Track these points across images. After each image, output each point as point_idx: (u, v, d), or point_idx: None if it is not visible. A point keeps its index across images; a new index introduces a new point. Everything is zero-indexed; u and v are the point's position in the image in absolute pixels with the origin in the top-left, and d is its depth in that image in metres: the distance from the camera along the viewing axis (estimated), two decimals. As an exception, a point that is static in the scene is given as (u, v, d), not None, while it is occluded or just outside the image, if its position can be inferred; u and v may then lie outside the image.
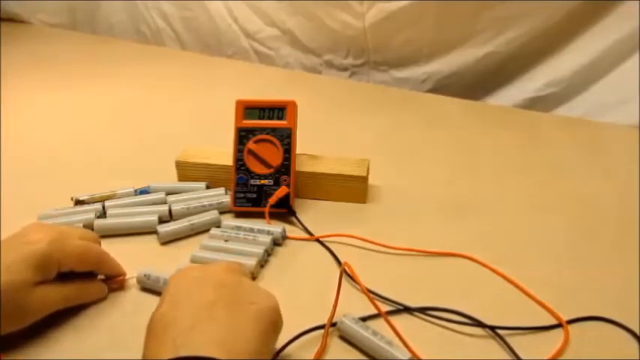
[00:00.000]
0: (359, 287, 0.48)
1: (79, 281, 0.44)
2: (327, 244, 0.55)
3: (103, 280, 0.47)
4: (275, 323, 0.37)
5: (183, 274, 0.39)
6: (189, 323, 0.33)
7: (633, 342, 0.43)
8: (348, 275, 0.50)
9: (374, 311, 0.43)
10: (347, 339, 0.43)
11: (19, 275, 0.39)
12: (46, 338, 0.42)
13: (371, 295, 0.43)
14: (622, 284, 0.50)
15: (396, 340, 0.41)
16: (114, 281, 0.47)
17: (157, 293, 0.47)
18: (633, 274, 0.51)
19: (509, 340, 0.43)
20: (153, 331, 0.34)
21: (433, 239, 0.55)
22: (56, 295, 0.42)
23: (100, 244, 0.48)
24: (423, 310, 0.46)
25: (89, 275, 0.46)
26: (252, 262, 0.50)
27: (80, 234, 0.46)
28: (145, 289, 0.48)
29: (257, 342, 0.34)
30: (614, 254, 0.54)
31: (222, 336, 0.33)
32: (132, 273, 0.48)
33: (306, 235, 0.56)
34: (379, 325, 0.43)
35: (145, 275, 0.47)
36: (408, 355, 0.40)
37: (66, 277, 0.43)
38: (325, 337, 0.42)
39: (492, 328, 0.44)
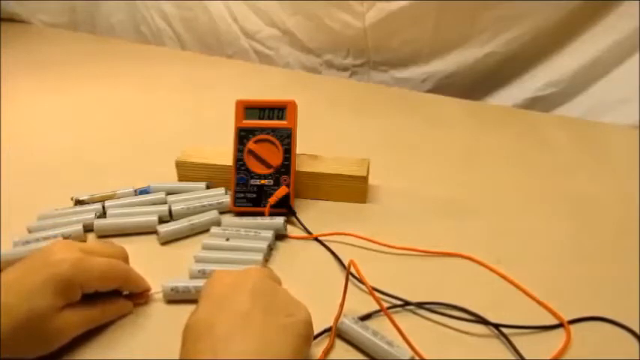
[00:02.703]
0: (359, 284, 0.48)
1: (104, 301, 0.43)
2: (327, 244, 0.55)
3: (128, 296, 0.46)
4: (308, 337, 0.37)
5: (218, 278, 0.39)
6: (228, 331, 0.33)
7: (634, 342, 0.43)
8: (352, 274, 0.50)
9: (373, 308, 0.43)
10: (347, 339, 0.43)
11: (42, 301, 0.38)
12: (72, 354, 0.41)
13: (376, 294, 0.43)
14: (622, 284, 0.50)
15: (397, 340, 0.41)
16: (139, 296, 0.46)
17: (187, 302, 0.46)
18: (633, 274, 0.51)
19: (511, 339, 0.43)
20: (190, 336, 0.34)
21: (433, 239, 0.55)
22: (81, 318, 0.41)
23: (127, 259, 0.46)
24: (427, 306, 0.46)
25: (114, 292, 0.44)
26: (258, 257, 0.50)
27: (105, 250, 0.44)
28: (172, 301, 0.47)
29: (291, 355, 0.34)
30: (614, 254, 0.54)
31: (259, 347, 0.33)
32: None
33: (307, 234, 0.56)
34: (380, 323, 0.43)
35: (172, 289, 0.46)
36: (409, 354, 0.40)
37: (90, 296, 0.42)
38: (332, 337, 0.42)
39: (497, 327, 0.44)
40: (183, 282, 0.47)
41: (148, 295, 0.47)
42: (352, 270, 0.42)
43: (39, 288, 0.38)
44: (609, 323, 0.45)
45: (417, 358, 0.40)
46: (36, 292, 0.38)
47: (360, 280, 0.47)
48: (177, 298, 0.46)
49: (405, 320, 0.44)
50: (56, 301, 0.39)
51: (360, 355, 0.42)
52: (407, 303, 0.46)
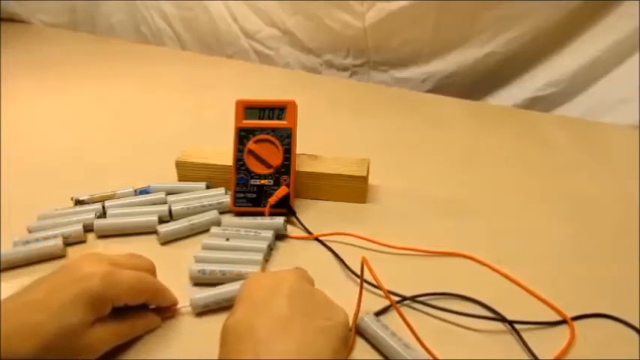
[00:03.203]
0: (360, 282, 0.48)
1: (133, 315, 0.42)
2: (327, 244, 0.55)
3: (155, 310, 0.45)
4: (346, 339, 0.37)
5: (255, 281, 0.39)
6: (269, 333, 0.33)
7: (636, 339, 0.43)
8: (353, 272, 0.50)
9: (377, 305, 0.44)
10: (364, 336, 0.43)
11: (74, 317, 0.37)
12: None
13: (385, 292, 0.43)
14: (622, 285, 0.50)
15: (412, 342, 0.41)
16: (167, 310, 0.45)
17: (215, 312, 0.46)
18: (633, 274, 0.51)
19: (516, 336, 0.43)
20: (230, 337, 0.34)
21: (433, 239, 0.55)
22: (111, 333, 0.40)
23: (154, 272, 0.46)
24: (436, 298, 0.47)
25: (141, 306, 0.43)
26: (258, 257, 0.50)
27: (132, 263, 0.43)
28: (200, 313, 0.46)
29: (331, 356, 0.34)
30: (614, 254, 0.54)
31: (300, 348, 0.33)
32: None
33: (307, 234, 0.56)
34: (386, 320, 0.44)
35: (204, 306, 0.45)
36: (424, 356, 0.40)
37: (118, 310, 0.41)
38: (353, 336, 0.43)
39: (511, 323, 0.44)
40: (212, 296, 0.46)
41: (175, 309, 0.46)
42: (354, 267, 0.42)
43: (70, 304, 0.37)
44: (612, 320, 0.45)
45: (429, 358, 0.40)
46: (67, 308, 0.37)
47: (361, 277, 0.47)
48: (205, 308, 0.46)
49: (411, 317, 0.44)
50: (87, 316, 0.38)
51: (373, 352, 0.42)
52: (404, 298, 0.47)
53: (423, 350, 0.40)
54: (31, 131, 0.82)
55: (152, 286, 0.44)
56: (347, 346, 0.38)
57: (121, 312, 0.41)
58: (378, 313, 0.45)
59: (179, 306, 0.46)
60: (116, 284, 0.40)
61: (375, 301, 0.46)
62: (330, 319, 0.36)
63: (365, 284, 0.48)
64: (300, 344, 0.33)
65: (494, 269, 0.51)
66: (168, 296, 0.45)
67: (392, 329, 0.42)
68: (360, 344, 0.43)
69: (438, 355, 0.40)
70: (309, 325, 0.35)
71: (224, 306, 0.45)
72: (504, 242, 0.56)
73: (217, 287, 0.47)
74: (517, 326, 0.44)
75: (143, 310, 0.44)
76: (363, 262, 0.41)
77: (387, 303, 0.45)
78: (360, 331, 0.43)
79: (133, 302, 0.42)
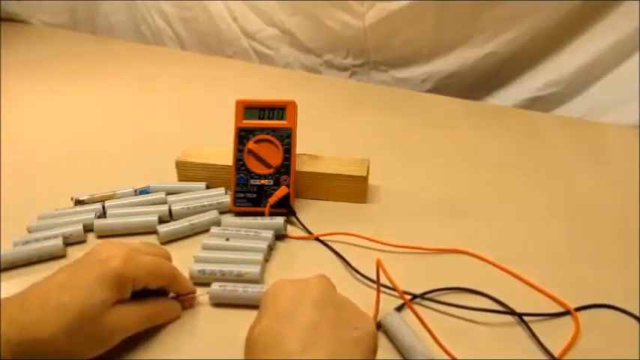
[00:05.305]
0: (368, 283, 0.49)
1: (154, 300, 0.43)
2: (328, 243, 0.55)
3: (174, 298, 0.46)
4: (375, 349, 0.37)
5: (280, 289, 0.38)
6: (298, 346, 0.33)
7: (636, 328, 0.45)
8: (359, 272, 0.50)
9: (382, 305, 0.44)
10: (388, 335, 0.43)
11: (96, 298, 0.38)
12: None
13: (396, 293, 0.43)
14: (621, 283, 0.50)
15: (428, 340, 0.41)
16: (185, 299, 0.46)
17: (233, 307, 0.46)
18: (633, 274, 0.51)
19: (521, 329, 0.44)
20: (257, 347, 0.34)
21: (433, 239, 0.55)
22: (133, 316, 0.41)
23: (170, 260, 0.46)
24: (449, 291, 0.48)
25: (161, 294, 0.44)
26: (258, 257, 0.50)
27: (151, 250, 0.45)
28: (218, 304, 0.47)
29: None
30: (614, 254, 0.54)
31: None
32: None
33: (307, 234, 0.56)
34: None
35: (220, 286, 0.46)
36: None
37: (139, 296, 0.42)
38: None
39: (520, 315, 0.45)
40: (230, 284, 0.47)
41: (193, 298, 0.47)
42: (359, 268, 0.42)
43: (92, 284, 0.38)
44: (613, 310, 0.46)
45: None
46: (90, 289, 0.38)
47: (377, 281, 0.47)
48: (223, 299, 0.46)
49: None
50: (110, 296, 0.39)
51: (396, 355, 0.42)
52: (415, 296, 0.47)
53: (439, 349, 0.40)
54: (30, 131, 0.82)
55: (171, 271, 0.45)
56: (375, 354, 0.37)
57: (142, 298, 0.42)
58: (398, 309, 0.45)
59: (197, 294, 0.47)
60: (137, 266, 0.41)
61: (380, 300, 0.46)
62: (359, 328, 0.36)
63: (369, 283, 0.48)
64: (330, 355, 0.33)
65: (495, 265, 0.52)
66: (186, 283, 0.46)
67: (416, 334, 0.42)
68: (382, 346, 0.43)
69: (454, 353, 0.41)
70: (338, 335, 0.34)
71: (243, 302, 0.46)
72: (504, 242, 0.56)
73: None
74: (524, 319, 0.45)
75: (163, 297, 0.45)
76: (378, 265, 0.41)
77: (389, 301, 0.46)
78: (384, 330, 0.43)
79: (153, 285, 0.43)
